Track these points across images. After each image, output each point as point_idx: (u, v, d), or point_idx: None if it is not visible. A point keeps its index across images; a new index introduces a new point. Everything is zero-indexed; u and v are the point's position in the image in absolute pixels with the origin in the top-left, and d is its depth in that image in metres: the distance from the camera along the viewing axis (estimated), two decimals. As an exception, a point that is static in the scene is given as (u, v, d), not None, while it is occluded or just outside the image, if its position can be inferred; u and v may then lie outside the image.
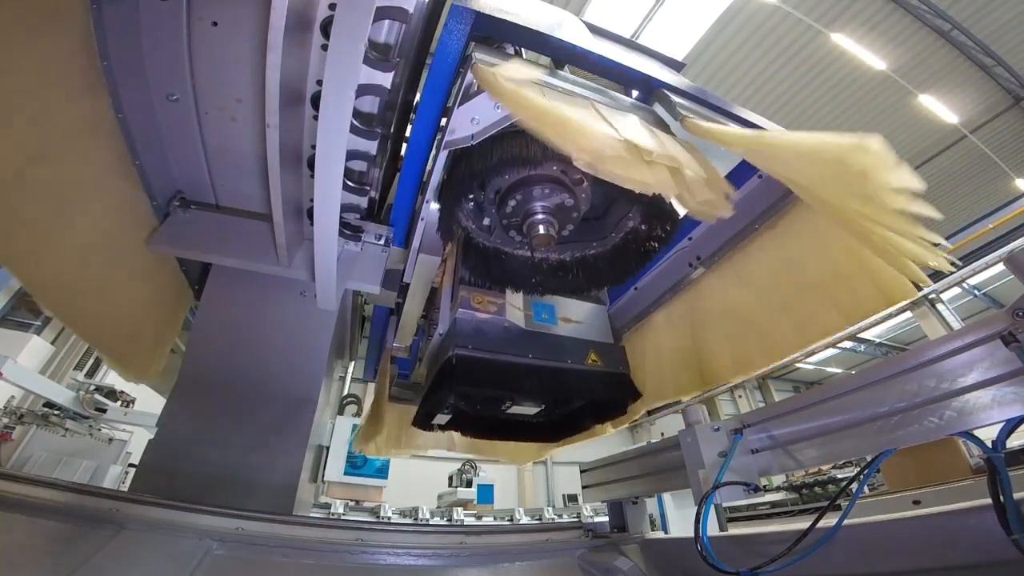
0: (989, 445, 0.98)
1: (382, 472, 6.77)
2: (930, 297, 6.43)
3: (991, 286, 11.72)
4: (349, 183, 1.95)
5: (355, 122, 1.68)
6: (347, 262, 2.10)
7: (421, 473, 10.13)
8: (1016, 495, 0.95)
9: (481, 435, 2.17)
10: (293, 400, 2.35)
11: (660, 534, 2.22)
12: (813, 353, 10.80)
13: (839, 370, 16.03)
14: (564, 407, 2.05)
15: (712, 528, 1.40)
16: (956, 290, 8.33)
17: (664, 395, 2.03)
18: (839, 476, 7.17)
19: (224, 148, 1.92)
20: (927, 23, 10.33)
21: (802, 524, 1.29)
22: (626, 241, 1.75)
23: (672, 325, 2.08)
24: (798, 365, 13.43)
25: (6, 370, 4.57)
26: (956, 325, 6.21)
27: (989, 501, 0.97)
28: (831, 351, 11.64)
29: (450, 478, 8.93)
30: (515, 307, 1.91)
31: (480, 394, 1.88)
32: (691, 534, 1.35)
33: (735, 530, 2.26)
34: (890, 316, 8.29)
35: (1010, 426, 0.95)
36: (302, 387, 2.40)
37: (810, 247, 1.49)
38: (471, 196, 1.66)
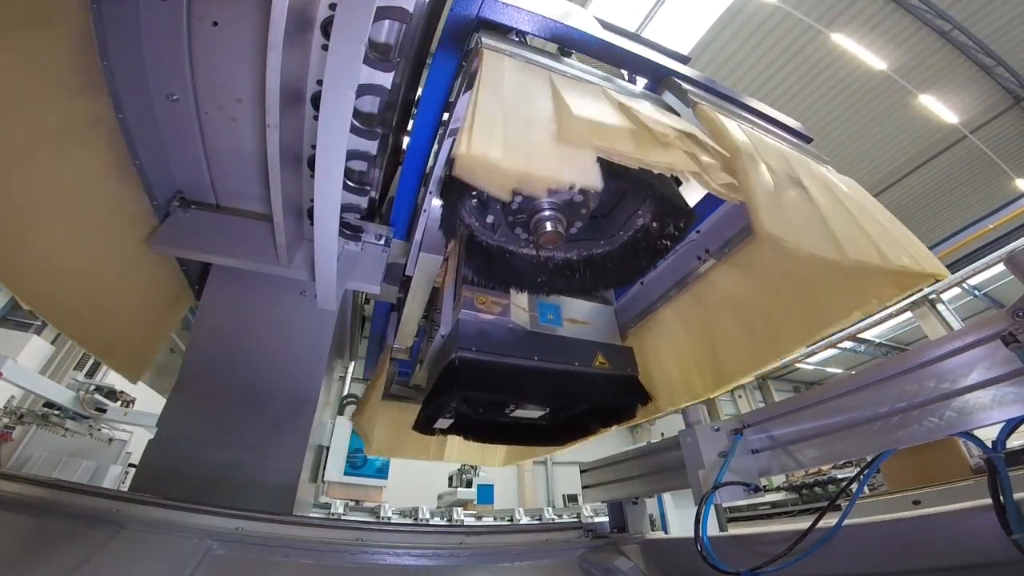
0: (989, 445, 0.98)
1: (382, 472, 6.78)
2: (930, 297, 6.43)
3: (991, 286, 11.70)
4: (349, 183, 1.95)
5: (355, 122, 1.68)
6: (347, 262, 2.10)
7: (421, 473, 10.12)
8: (1016, 495, 0.95)
9: (484, 439, 2.13)
10: (293, 400, 2.35)
11: (660, 534, 2.22)
12: (814, 353, 10.78)
13: (839, 370, 16.02)
14: (570, 410, 2.01)
15: (712, 528, 1.39)
16: (956, 290, 8.32)
17: (690, 395, 1.93)
18: (839, 476, 7.15)
19: (224, 148, 1.92)
20: (927, 23, 10.32)
21: (802, 524, 1.29)
22: (636, 239, 1.70)
23: (683, 322, 2.02)
24: (798, 365, 13.41)
25: (6, 370, 4.57)
26: (956, 325, 6.21)
27: (989, 501, 0.97)
28: (831, 351, 11.63)
29: (450, 478, 8.93)
30: (519, 308, 1.86)
31: (484, 398, 1.84)
32: (691, 534, 1.35)
33: (735, 530, 2.25)
34: (890, 316, 8.28)
35: (1010, 426, 0.95)
36: (302, 387, 2.40)
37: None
38: (475, 192, 1.64)
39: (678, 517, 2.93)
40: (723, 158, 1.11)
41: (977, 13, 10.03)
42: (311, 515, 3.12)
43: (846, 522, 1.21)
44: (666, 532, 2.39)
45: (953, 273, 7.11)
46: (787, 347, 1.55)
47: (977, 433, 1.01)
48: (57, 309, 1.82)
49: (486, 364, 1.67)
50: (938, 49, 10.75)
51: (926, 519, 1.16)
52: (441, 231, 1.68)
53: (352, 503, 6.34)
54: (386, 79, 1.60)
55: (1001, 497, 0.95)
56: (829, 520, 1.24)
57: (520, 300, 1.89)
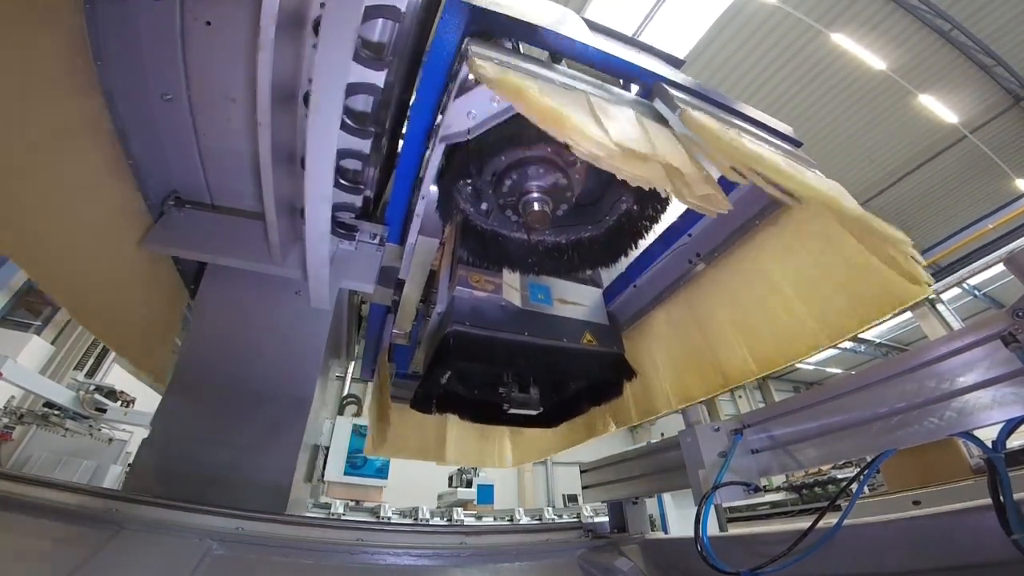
0: (989, 445, 0.98)
1: (382, 472, 6.77)
2: (930, 297, 6.42)
3: (991, 286, 11.71)
4: (343, 182, 1.94)
5: (348, 121, 1.68)
6: (341, 261, 2.09)
7: (421, 473, 10.10)
8: (1016, 495, 0.94)
9: (479, 419, 2.18)
10: (288, 399, 2.33)
11: (660, 534, 2.22)
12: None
13: (839, 370, 16.04)
14: (561, 389, 2.07)
15: (712, 528, 1.39)
16: (956, 290, 8.32)
17: (688, 397, 1.91)
18: (839, 476, 7.16)
19: (218, 147, 1.91)
20: (927, 23, 10.31)
21: (802, 524, 1.29)
22: (619, 222, 1.77)
23: (675, 324, 2.04)
24: (798, 365, 13.41)
25: (6, 370, 4.57)
26: (956, 325, 6.20)
27: (989, 501, 0.96)
28: (831, 351, 11.64)
29: (450, 478, 8.93)
30: (512, 287, 1.94)
31: (477, 372, 1.90)
32: (691, 534, 1.35)
33: (735, 530, 2.25)
34: (890, 316, 8.26)
35: (1010, 426, 0.95)
36: (297, 386, 2.38)
37: (814, 243, 1.46)
38: (469, 179, 1.68)
39: (678, 517, 2.93)
40: (699, 175, 1.12)
41: (977, 13, 10.02)
42: (311, 515, 3.11)
43: (846, 522, 1.21)
44: (666, 532, 2.39)
45: (953, 273, 7.10)
46: (794, 352, 1.51)
47: (977, 433, 1.01)
48: (89, 313, 1.85)
49: (479, 338, 1.74)
50: (938, 49, 10.74)
51: (926, 519, 1.16)
52: (438, 213, 1.72)
53: (352, 503, 6.34)
54: (379, 78, 1.60)
55: (1001, 497, 0.94)
56: (829, 520, 1.24)
57: (513, 280, 1.97)
